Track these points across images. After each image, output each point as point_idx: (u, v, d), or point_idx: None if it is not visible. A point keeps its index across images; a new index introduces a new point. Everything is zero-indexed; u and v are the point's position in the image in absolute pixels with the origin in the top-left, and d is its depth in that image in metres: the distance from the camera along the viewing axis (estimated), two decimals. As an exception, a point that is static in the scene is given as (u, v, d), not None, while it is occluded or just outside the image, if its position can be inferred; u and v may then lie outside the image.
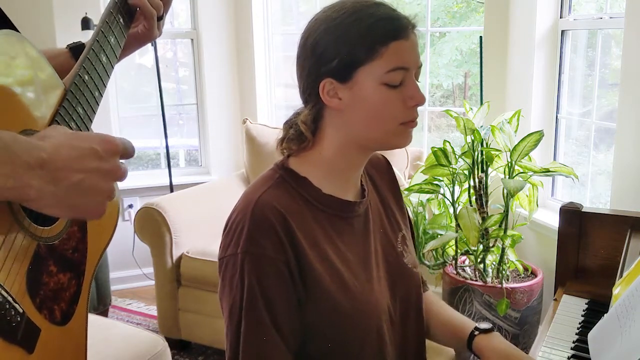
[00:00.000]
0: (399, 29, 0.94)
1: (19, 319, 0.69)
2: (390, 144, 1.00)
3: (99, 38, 0.90)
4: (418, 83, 0.98)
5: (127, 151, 0.72)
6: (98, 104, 0.88)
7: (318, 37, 0.95)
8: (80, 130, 0.83)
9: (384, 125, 0.96)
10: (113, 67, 0.94)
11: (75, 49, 1.02)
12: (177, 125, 3.89)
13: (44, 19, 3.02)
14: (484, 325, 1.12)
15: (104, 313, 2.92)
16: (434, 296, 1.24)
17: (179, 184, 3.34)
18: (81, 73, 0.85)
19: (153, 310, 3.10)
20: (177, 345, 2.72)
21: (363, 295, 1.00)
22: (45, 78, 0.78)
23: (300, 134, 1.01)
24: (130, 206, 3.49)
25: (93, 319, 2.00)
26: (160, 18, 1.04)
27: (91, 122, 0.86)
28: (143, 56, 3.83)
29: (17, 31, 0.78)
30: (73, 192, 0.66)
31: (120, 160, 0.72)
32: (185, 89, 3.80)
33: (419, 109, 1.00)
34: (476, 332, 1.11)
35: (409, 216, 1.22)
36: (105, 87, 0.91)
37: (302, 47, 0.99)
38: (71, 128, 0.81)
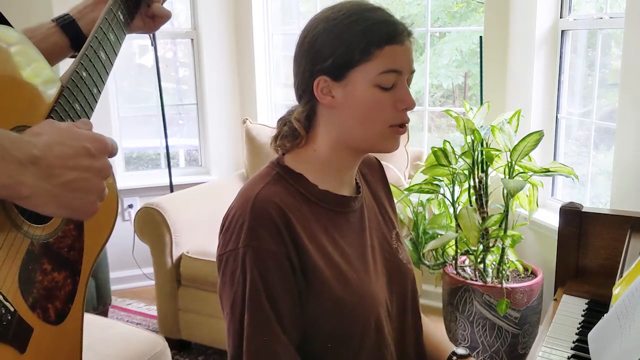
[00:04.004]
0: (394, 33, 0.96)
1: (9, 317, 0.69)
2: (378, 146, 1.01)
3: (98, 35, 0.90)
4: (410, 89, 1.00)
5: (113, 150, 0.72)
6: (96, 101, 0.88)
7: (315, 36, 0.98)
8: None
9: (373, 125, 0.98)
10: (112, 64, 0.94)
11: (67, 27, 0.99)
12: (177, 125, 3.89)
13: (44, 19, 3.01)
14: (461, 350, 1.17)
15: (104, 313, 2.92)
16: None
17: (179, 184, 3.35)
18: (79, 70, 0.84)
19: (153, 310, 3.10)
20: (177, 345, 2.72)
21: (362, 288, 1.01)
22: (41, 74, 0.78)
23: (294, 131, 1.02)
24: (130, 206, 3.49)
25: (93, 319, 2.01)
26: None
27: (89, 118, 0.86)
28: (143, 56, 3.83)
29: (12, 26, 0.77)
30: (66, 190, 0.66)
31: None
32: (185, 89, 3.80)
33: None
34: (454, 357, 1.16)
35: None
36: (104, 84, 0.91)
37: (299, 45, 1.01)
38: None
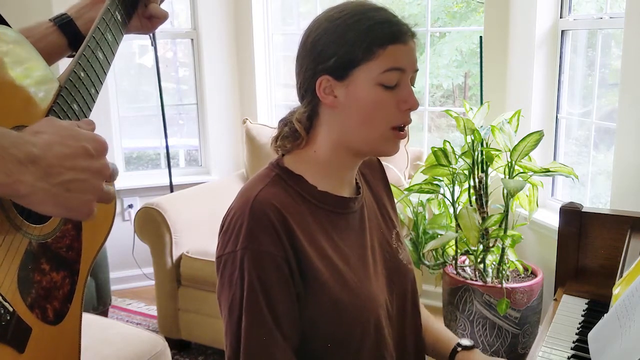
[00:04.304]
0: (397, 33, 0.96)
1: (8, 317, 0.69)
2: (378, 149, 1.01)
3: (96, 35, 0.90)
4: (413, 88, 1.00)
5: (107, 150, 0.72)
6: (94, 101, 0.88)
7: (318, 35, 0.98)
8: None
9: (375, 126, 0.98)
10: (110, 64, 0.93)
11: (64, 26, 0.99)
12: (177, 125, 3.89)
13: (43, 18, 3.01)
14: (466, 342, 1.17)
15: (104, 313, 2.92)
16: (422, 307, 1.25)
17: (179, 184, 3.35)
18: (76, 69, 0.84)
19: (153, 310, 3.10)
20: (177, 345, 2.72)
21: (361, 290, 1.01)
22: (39, 74, 0.77)
23: (295, 132, 1.02)
24: (130, 206, 3.49)
25: (93, 319, 2.01)
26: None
27: (87, 118, 0.86)
28: (143, 56, 3.83)
29: (10, 27, 0.77)
30: (63, 190, 0.65)
31: (111, 161, 0.72)
32: (185, 89, 3.80)
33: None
34: (458, 349, 1.16)
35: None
36: (102, 84, 0.90)
37: (302, 45, 1.01)
38: None
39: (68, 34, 0.98)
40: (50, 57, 0.94)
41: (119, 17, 0.96)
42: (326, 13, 1.00)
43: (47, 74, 0.80)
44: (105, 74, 0.92)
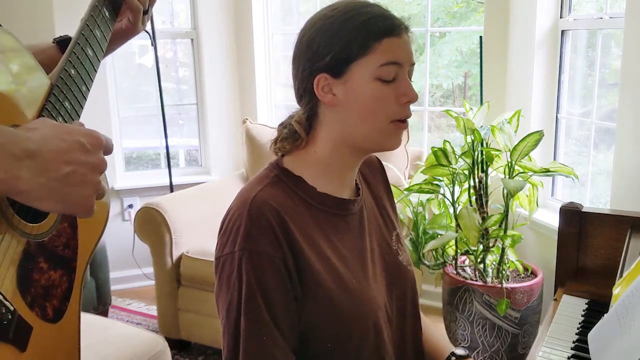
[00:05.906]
0: (391, 26, 0.96)
1: (10, 316, 0.69)
2: (381, 144, 1.01)
3: (85, 32, 0.90)
4: (411, 82, 1.00)
5: (108, 147, 0.72)
6: (85, 99, 0.88)
7: (313, 34, 0.98)
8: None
9: (375, 121, 0.97)
10: (100, 61, 0.93)
11: (62, 43, 1.01)
12: (177, 125, 3.89)
13: (44, 20, 3.02)
14: (460, 351, 1.16)
15: (104, 313, 2.92)
16: (421, 313, 1.24)
17: (179, 184, 3.35)
18: (67, 67, 0.84)
19: (153, 310, 3.10)
20: (177, 345, 2.72)
21: (360, 292, 1.00)
22: (29, 73, 0.78)
23: (294, 133, 1.02)
24: (130, 206, 3.49)
25: (93, 318, 2.01)
26: (146, 12, 1.05)
27: (79, 116, 0.85)
28: (143, 56, 3.83)
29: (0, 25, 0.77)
30: (62, 185, 0.65)
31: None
32: (185, 89, 3.80)
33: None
34: (452, 358, 1.15)
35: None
36: (93, 81, 0.90)
37: (298, 45, 1.01)
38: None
39: (63, 48, 0.99)
40: (48, 71, 0.95)
41: (106, 13, 0.96)
42: (319, 12, 1.00)
43: (38, 72, 0.80)
44: (96, 71, 0.92)
